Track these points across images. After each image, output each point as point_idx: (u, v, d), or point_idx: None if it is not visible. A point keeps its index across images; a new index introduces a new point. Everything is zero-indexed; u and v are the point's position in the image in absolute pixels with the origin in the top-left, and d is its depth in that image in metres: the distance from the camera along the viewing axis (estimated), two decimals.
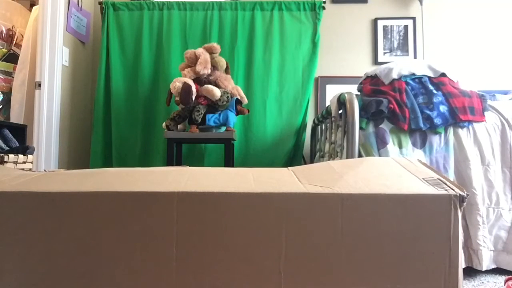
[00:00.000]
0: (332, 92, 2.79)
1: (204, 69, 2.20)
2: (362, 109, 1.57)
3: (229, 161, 2.24)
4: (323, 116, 2.04)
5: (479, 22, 2.88)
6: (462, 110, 1.57)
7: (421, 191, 0.70)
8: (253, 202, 0.69)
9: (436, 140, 1.58)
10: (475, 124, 1.60)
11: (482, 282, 1.47)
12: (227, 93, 2.24)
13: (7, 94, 2.86)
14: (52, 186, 0.72)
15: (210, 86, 2.19)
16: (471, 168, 1.54)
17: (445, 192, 0.69)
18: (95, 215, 0.69)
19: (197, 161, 2.68)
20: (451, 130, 1.59)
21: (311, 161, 2.65)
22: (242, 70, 2.72)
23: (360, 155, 1.55)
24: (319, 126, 2.34)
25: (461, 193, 0.69)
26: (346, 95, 1.59)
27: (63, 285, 0.68)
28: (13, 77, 2.85)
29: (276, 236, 0.68)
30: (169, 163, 2.23)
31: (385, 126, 1.58)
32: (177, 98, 2.19)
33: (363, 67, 2.78)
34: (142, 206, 0.69)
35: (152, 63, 2.74)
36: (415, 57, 2.86)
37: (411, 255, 0.68)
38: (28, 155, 1.89)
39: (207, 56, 2.25)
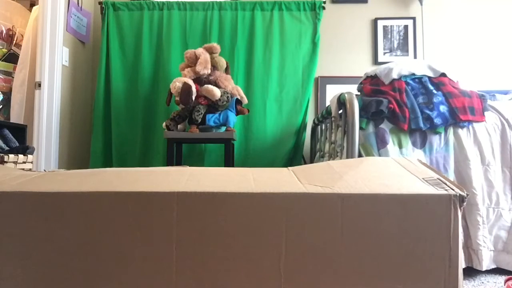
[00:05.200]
0: (332, 92, 2.79)
1: (204, 69, 2.20)
2: (362, 109, 1.57)
3: (229, 161, 2.24)
4: (323, 116, 2.04)
5: (479, 22, 2.88)
6: (462, 110, 1.57)
7: (421, 191, 0.70)
8: (253, 202, 0.69)
9: (436, 140, 1.58)
10: (475, 124, 1.60)
11: (482, 282, 1.47)
12: (227, 93, 2.24)
13: (7, 94, 2.86)
14: (52, 186, 0.72)
15: (210, 86, 2.19)
16: (471, 168, 1.54)
17: (445, 192, 0.69)
18: (95, 215, 0.69)
19: (197, 161, 2.68)
20: (451, 130, 1.59)
21: (311, 161, 2.65)
22: (242, 70, 2.72)
23: (360, 155, 1.55)
24: (319, 126, 2.34)
25: (461, 193, 0.69)
26: (346, 95, 1.59)
27: (63, 285, 0.68)
28: (13, 77, 2.85)
29: (276, 236, 0.68)
30: (169, 163, 2.23)
31: (385, 126, 1.58)
32: (177, 98, 2.19)
33: (363, 67, 2.78)
34: (142, 206, 0.69)
35: (152, 63, 2.74)
36: (415, 57, 2.86)
37: (411, 255, 0.68)
38: (28, 155, 1.88)
39: (207, 56, 2.25)
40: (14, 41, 3.03)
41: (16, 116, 2.71)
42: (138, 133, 2.69)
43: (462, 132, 1.58)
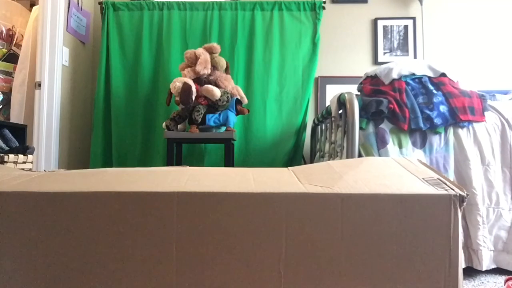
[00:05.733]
0: (332, 92, 2.79)
1: (204, 69, 2.20)
2: (362, 109, 1.57)
3: (229, 161, 2.24)
4: (323, 116, 2.04)
5: (479, 22, 2.88)
6: (462, 110, 1.57)
7: (421, 191, 0.70)
8: (253, 202, 0.69)
9: (436, 140, 1.58)
10: (475, 124, 1.60)
11: (482, 282, 1.47)
12: (227, 93, 2.24)
13: (7, 94, 2.86)
14: (52, 186, 0.72)
15: (210, 86, 2.19)
16: (471, 168, 1.54)
17: (445, 192, 0.69)
18: (95, 215, 0.69)
19: (197, 161, 2.68)
20: (451, 130, 1.59)
21: (311, 161, 2.65)
22: (242, 70, 2.72)
23: (360, 155, 1.55)
24: (319, 126, 2.34)
25: (461, 193, 0.69)
26: (346, 95, 1.59)
27: (63, 285, 0.68)
28: (13, 77, 2.85)
29: (276, 236, 0.68)
30: (169, 163, 2.23)
31: (385, 126, 1.58)
32: (177, 98, 2.19)
33: (363, 67, 2.78)
34: (142, 206, 0.69)
35: (152, 63, 2.74)
36: (415, 57, 2.86)
37: (411, 255, 0.68)
38: (28, 155, 1.88)
39: (207, 56, 2.25)
40: (14, 41, 3.03)
41: (16, 116, 2.71)
42: (138, 133, 2.69)
43: (462, 132, 1.58)
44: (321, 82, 2.87)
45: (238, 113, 2.31)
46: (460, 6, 2.89)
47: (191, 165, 2.46)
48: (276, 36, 2.71)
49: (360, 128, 1.57)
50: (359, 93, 1.80)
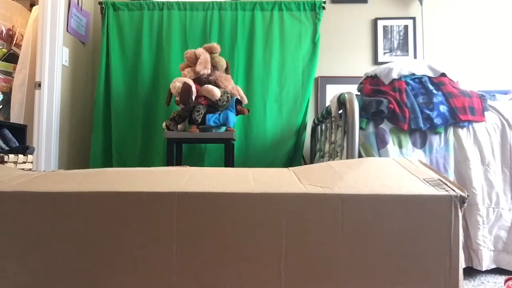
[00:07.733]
0: (332, 92, 2.79)
1: (204, 69, 2.20)
2: (362, 109, 1.57)
3: (229, 161, 2.24)
4: (323, 116, 2.04)
5: (479, 22, 2.88)
6: (462, 110, 1.57)
7: (422, 191, 0.70)
8: (253, 202, 0.69)
9: (436, 140, 1.58)
10: (475, 124, 1.60)
11: (482, 282, 1.47)
12: (227, 93, 2.24)
13: (7, 94, 2.86)
14: (52, 186, 0.72)
15: (210, 86, 2.19)
16: (471, 168, 1.54)
17: (445, 193, 0.69)
18: (95, 215, 0.69)
19: (197, 161, 2.68)
20: (451, 130, 1.59)
21: (311, 161, 2.65)
22: (242, 70, 2.72)
23: (360, 155, 1.55)
24: (319, 126, 2.34)
25: (462, 193, 0.69)
26: (346, 95, 1.59)
27: (63, 285, 0.68)
28: (13, 77, 2.85)
29: (276, 236, 0.68)
30: (169, 163, 2.23)
31: (385, 126, 1.58)
32: (177, 98, 2.19)
33: (363, 67, 2.78)
34: (142, 206, 0.69)
35: (152, 63, 2.74)
36: (415, 57, 2.86)
37: (411, 255, 0.68)
38: (28, 155, 1.88)
39: (207, 56, 2.25)
40: (14, 41, 3.03)
41: (16, 116, 2.71)
42: (138, 133, 2.69)
43: (462, 132, 1.58)
44: (321, 82, 2.87)
45: (238, 113, 2.31)
46: (460, 6, 2.89)
47: (191, 165, 2.46)
48: (276, 36, 2.71)
49: (360, 128, 1.57)
50: (359, 93, 1.80)
